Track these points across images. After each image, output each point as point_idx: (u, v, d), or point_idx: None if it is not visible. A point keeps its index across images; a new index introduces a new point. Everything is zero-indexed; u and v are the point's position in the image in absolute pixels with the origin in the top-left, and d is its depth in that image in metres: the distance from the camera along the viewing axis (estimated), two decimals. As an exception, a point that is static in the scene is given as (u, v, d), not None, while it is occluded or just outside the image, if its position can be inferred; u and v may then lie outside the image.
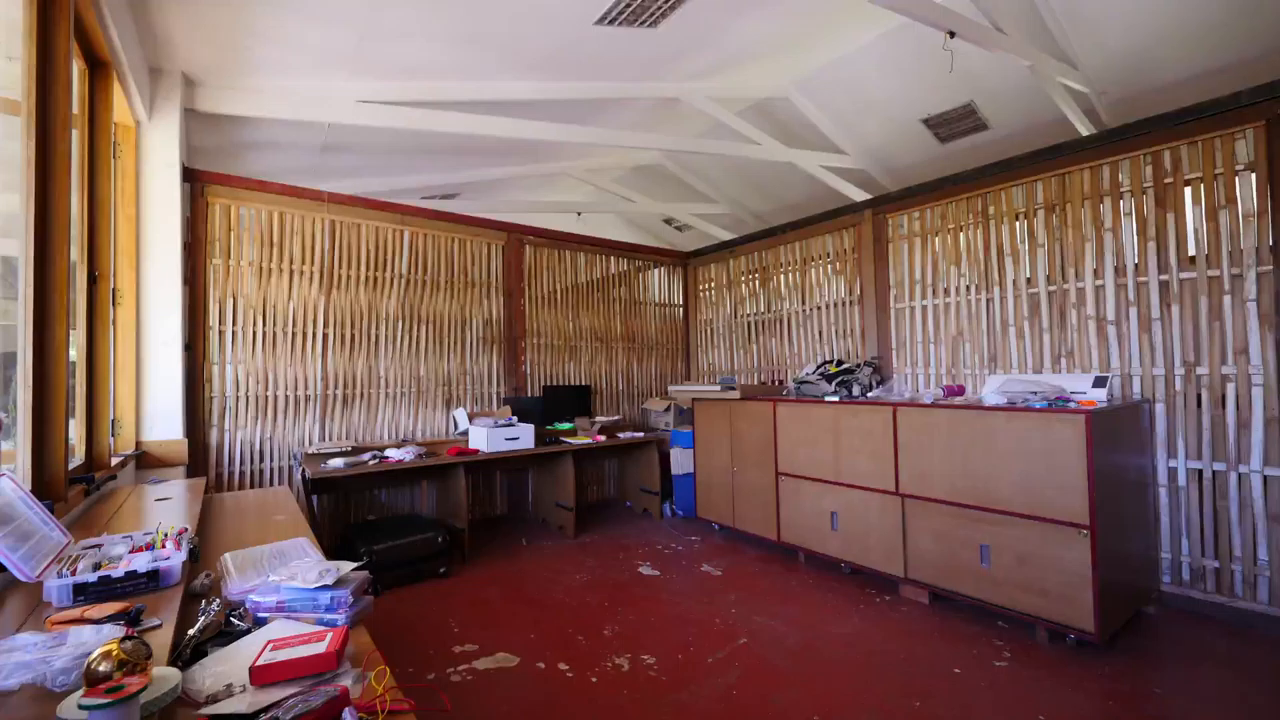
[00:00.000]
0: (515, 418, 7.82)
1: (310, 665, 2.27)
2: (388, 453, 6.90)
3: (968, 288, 7.00)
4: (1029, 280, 6.53)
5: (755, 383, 9.48)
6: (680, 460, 8.71)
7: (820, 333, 8.60)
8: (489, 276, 8.61)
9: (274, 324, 7.02)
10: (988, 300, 6.83)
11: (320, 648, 2.33)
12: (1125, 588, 5.14)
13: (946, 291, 7.18)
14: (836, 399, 6.76)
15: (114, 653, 2.03)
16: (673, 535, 7.98)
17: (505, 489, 8.80)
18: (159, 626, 2.50)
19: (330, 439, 7.32)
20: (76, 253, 4.89)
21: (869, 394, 7.02)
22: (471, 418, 8.07)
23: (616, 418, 9.29)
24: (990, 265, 6.82)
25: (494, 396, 8.56)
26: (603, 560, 7.03)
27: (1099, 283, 6.05)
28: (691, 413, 8.50)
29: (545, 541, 7.71)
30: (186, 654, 2.41)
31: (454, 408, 8.20)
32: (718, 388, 8.14)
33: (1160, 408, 5.64)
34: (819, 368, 7.71)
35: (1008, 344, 6.66)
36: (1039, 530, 5.04)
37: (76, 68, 4.86)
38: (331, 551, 6.83)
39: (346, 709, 2.08)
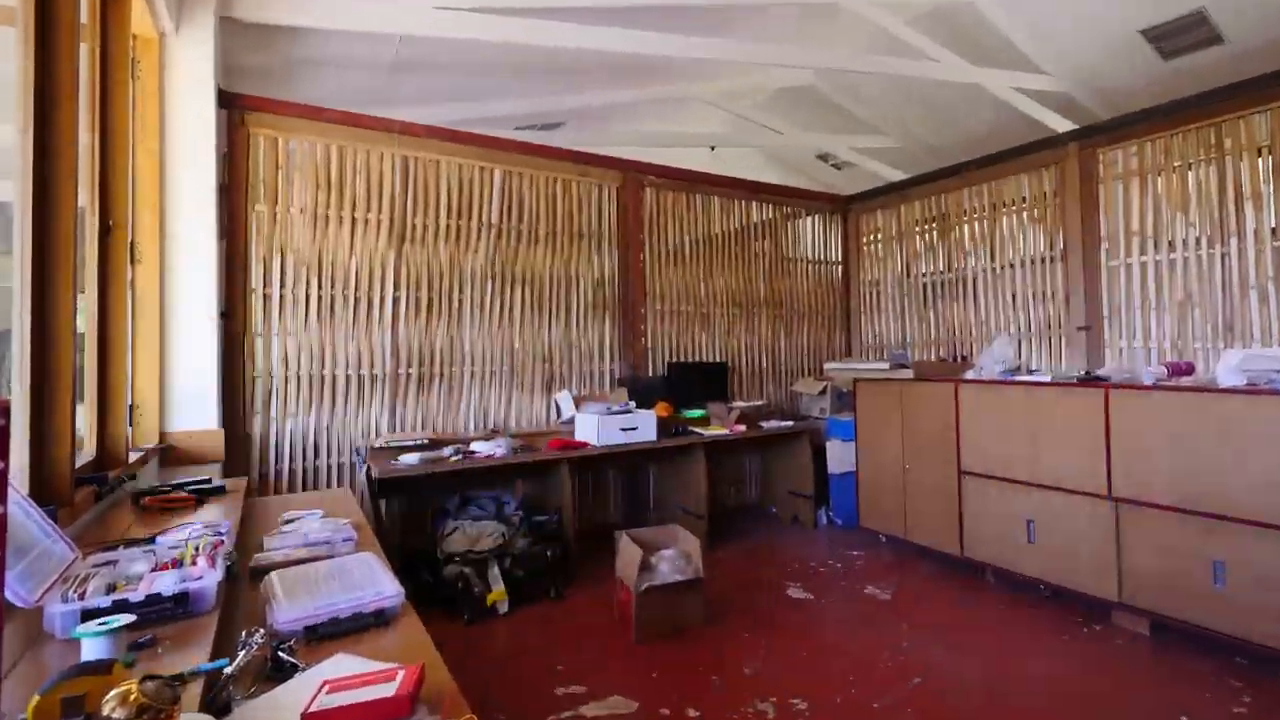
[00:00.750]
0: (633, 403, 7.98)
1: (377, 712, 2.10)
2: (474, 446, 7.04)
3: (1197, 240, 6.91)
4: (1275, 231, 6.41)
5: (932, 359, 9.47)
6: (838, 456, 8.80)
7: (1013, 296, 8.61)
8: (600, 226, 8.80)
9: (332, 286, 7.13)
10: (1223, 255, 6.75)
11: (390, 690, 2.16)
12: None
13: (1171, 245, 7.11)
14: (1034, 379, 6.73)
15: (133, 696, 1.85)
16: (829, 549, 8.10)
17: (620, 491, 8.97)
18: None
19: (402, 429, 7.46)
20: (86, 197, 4.68)
21: (1075, 374, 6.97)
22: (578, 403, 8.27)
23: (759, 403, 9.40)
24: (1226, 212, 6.73)
25: (606, 376, 8.77)
26: (742, 580, 7.14)
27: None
28: (853, 396, 8.56)
29: (671, 554, 7.80)
30: (224, 698, 2.24)
31: (556, 390, 8.39)
32: (885, 365, 8.19)
33: None
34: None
35: (1248, 310, 6.57)
36: (1292, 543, 4.95)
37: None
38: (403, 569, 6.51)
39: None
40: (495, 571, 6.42)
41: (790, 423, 9.00)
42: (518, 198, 8.17)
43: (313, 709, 2.07)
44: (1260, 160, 6.51)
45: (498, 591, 6.33)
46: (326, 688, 2.18)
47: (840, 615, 6.25)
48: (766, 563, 7.63)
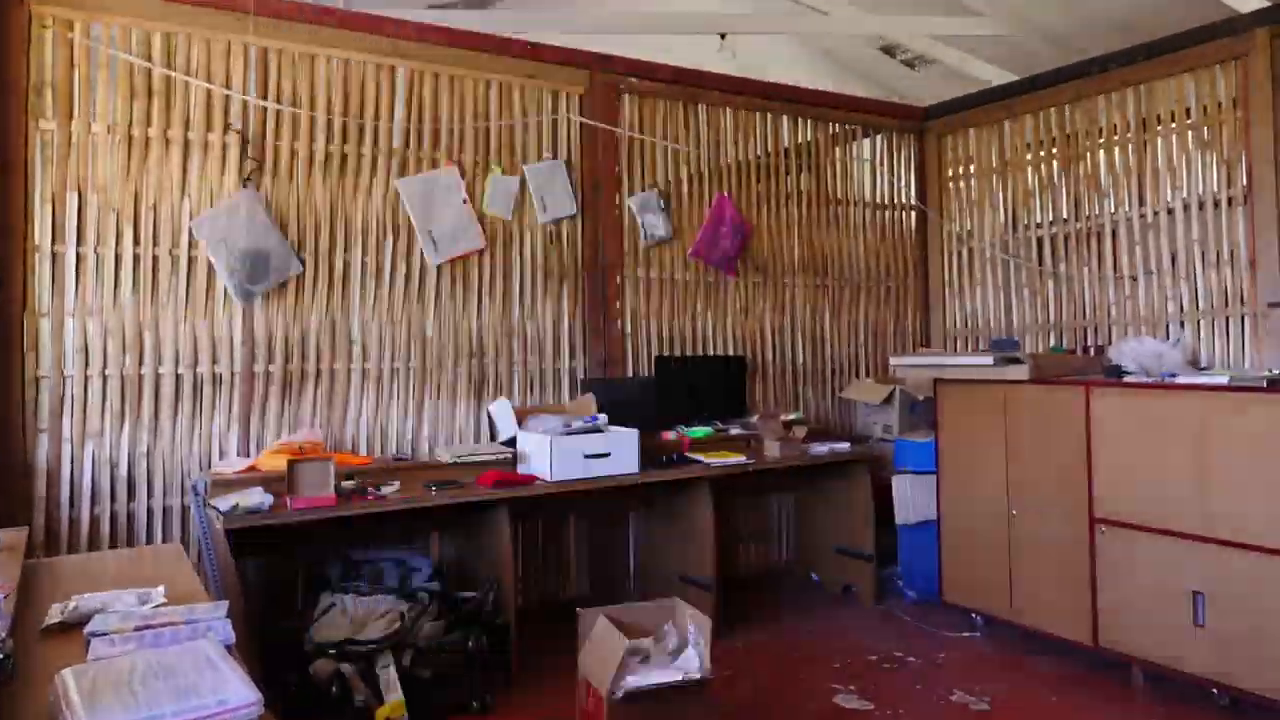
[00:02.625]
0: (603, 417, 7.96)
1: None
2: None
3: None
4: None
5: (1050, 350, 9.44)
6: (912, 497, 8.79)
7: (1173, 257, 8.53)
8: (555, 154, 8.78)
9: (155, 242, 7.13)
10: None
11: None
12: None
13: None
14: (1204, 380, 6.66)
15: None
16: (897, 635, 8.12)
17: (587, 550, 8.98)
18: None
19: (259, 451, 7.39)
20: None
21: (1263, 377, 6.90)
22: (522, 417, 8.16)
23: (793, 416, 9.36)
24: None
25: (565, 377, 8.80)
26: (770, 683, 7.15)
27: None
28: (933, 407, 8.52)
29: (662, 644, 7.79)
30: None
31: (490, 398, 8.39)
32: (987, 360, 8.10)
33: None
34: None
35: None
36: None
37: None
38: (265, 663, 6.09)
39: None
40: (390, 672, 6.22)
41: (840, 445, 8.99)
42: (432, 112, 8.16)
43: None
44: None
45: (392, 704, 6.08)
46: None
47: (915, 736, 6.22)
48: (805, 656, 7.63)
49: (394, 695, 6.08)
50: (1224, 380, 6.52)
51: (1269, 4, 8.09)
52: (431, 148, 8.10)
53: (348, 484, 6.81)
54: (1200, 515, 6.42)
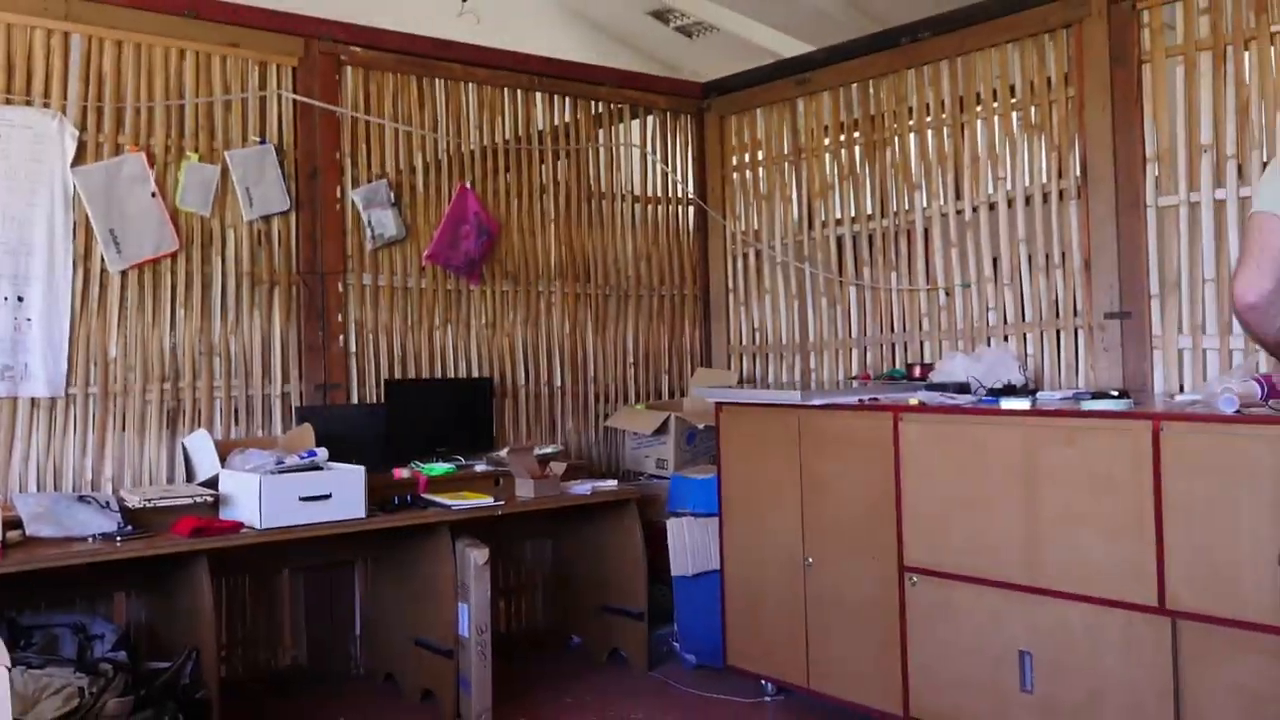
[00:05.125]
0: (323, 451, 7.81)
1: None
2: (34, 529, 6.76)
3: None
4: None
5: (855, 372, 9.53)
6: (691, 544, 8.76)
7: (996, 261, 8.63)
8: (263, 135, 8.66)
9: None
10: (1360, 187, 6.82)
11: None
12: None
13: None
14: (1026, 405, 6.73)
15: None
16: (675, 707, 8.09)
17: (304, 608, 8.85)
18: None
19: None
20: None
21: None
22: (226, 451, 8.00)
23: (549, 449, 9.30)
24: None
25: (276, 404, 8.67)
26: None
27: None
28: (714, 437, 8.51)
29: (392, 732, 7.74)
30: None
31: (186, 431, 8.21)
32: (770, 394, 8.15)
33: None
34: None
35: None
36: None
37: None
38: None
39: None
40: (68, 761, 6.19)
41: (611, 483, 9.00)
42: (114, 88, 7.97)
43: None
44: None
45: None
46: None
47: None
48: None
49: (72, 788, 6.02)
50: (1053, 401, 6.60)
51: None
52: (114, 130, 7.88)
53: (13, 534, 6.61)
54: (1027, 562, 6.41)
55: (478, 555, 7.56)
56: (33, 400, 7.55)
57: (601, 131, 10.44)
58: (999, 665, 6.53)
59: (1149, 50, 7.69)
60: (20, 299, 7.43)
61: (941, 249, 9.01)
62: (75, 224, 7.68)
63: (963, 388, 7.47)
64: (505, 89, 9.83)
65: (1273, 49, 7.12)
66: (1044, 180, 8.37)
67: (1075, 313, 8.13)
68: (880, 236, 9.47)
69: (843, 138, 9.80)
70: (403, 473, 8.52)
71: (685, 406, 9.50)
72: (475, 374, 9.52)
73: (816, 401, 7.88)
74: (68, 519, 6.75)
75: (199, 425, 8.19)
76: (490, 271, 9.67)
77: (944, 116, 9.03)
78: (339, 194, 8.82)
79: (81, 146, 7.71)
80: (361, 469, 7.61)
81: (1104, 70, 7.86)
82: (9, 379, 7.40)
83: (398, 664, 8.43)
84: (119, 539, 6.81)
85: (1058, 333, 8.30)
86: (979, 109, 8.78)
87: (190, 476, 7.97)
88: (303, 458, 7.54)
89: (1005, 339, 8.53)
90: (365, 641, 8.86)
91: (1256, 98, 7.16)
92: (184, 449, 8.07)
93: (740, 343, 10.66)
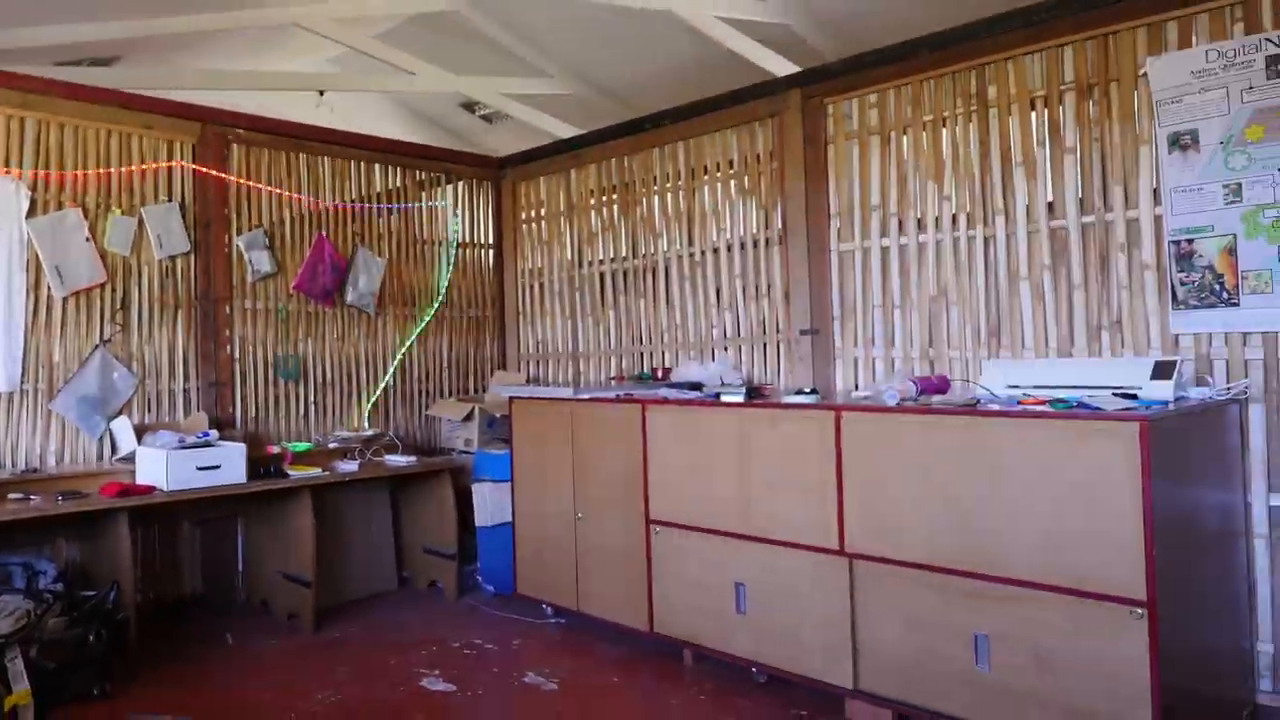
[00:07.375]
0: (215, 432, 8.21)
1: None
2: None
3: (954, 218, 7.42)
4: (1050, 207, 6.80)
5: (614, 371, 9.64)
6: (490, 502, 9.15)
7: (719, 291, 8.98)
8: (170, 195, 8.85)
9: None
10: (986, 239, 7.22)
11: None
12: (1203, 698, 5.36)
13: (922, 224, 7.64)
14: (741, 398, 7.00)
15: None
16: (478, 624, 8.56)
17: (200, 552, 9.15)
18: None
19: None
20: None
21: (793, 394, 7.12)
22: (142, 433, 8.34)
23: (382, 432, 9.69)
24: (991, 182, 7.17)
25: (181, 397, 8.89)
26: (362, 669, 7.40)
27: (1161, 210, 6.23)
28: (509, 422, 8.80)
29: (266, 639, 8.13)
30: None
31: (110, 416, 8.35)
32: (550, 390, 8.27)
33: (1259, 411, 5.80)
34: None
35: (1018, 309, 7.00)
36: (1068, 610, 4.98)
37: None
38: None
39: None
40: (17, 664, 6.17)
41: (414, 459, 9.24)
42: (58, 158, 8.14)
43: None
44: (1034, 115, 6.82)
45: (19, 693, 6.11)
46: None
47: (492, 713, 6.51)
48: (395, 645, 7.92)
49: (21, 685, 6.12)
50: (739, 396, 6.81)
51: (799, 69, 8.39)
52: (58, 191, 8.11)
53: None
54: (742, 516, 6.75)
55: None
56: (-2, 393, 7.68)
57: (424, 193, 10.47)
58: (720, 593, 6.91)
59: (833, 134, 8.21)
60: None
61: (678, 282, 9.42)
62: (28, 261, 7.93)
63: (695, 386, 7.66)
64: (352, 161, 10.02)
65: (924, 134, 7.40)
66: (755, 231, 8.87)
67: (778, 330, 8.63)
68: (633, 272, 9.77)
69: (604, 198, 10.02)
70: (274, 448, 8.69)
71: (487, 400, 9.67)
72: (329, 377, 9.50)
73: (585, 396, 8.40)
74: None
75: (123, 413, 8.24)
76: (340, 298, 9.67)
77: (680, 183, 9.55)
78: (227, 240, 9.03)
79: (33, 204, 7.94)
80: (243, 445, 7.92)
81: (799, 149, 8.35)
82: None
83: (270, 592, 8.77)
84: (59, 498, 7.06)
85: (765, 345, 8.64)
86: (706, 177, 9.25)
87: (114, 452, 8.13)
88: (199, 437, 7.86)
89: (726, 350, 8.79)
90: (246, 576, 9.15)
91: (912, 170, 7.60)
92: (110, 431, 8.18)
93: (528, 351, 10.78)
